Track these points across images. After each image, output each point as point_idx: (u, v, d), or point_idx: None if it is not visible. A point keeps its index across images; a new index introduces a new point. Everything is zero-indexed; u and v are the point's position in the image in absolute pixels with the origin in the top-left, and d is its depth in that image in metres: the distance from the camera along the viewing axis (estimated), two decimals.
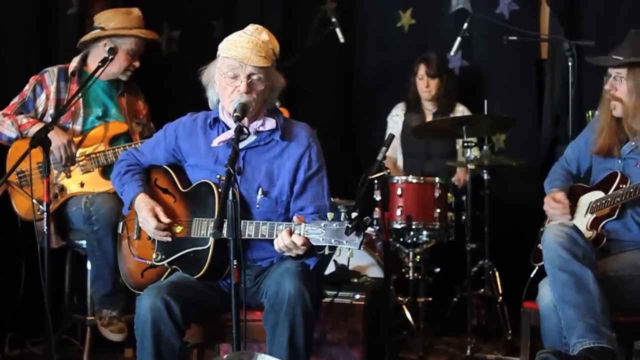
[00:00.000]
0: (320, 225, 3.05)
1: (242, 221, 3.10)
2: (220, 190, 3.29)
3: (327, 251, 3.05)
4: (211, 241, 3.32)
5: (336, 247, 3.03)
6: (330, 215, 3.07)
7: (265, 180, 3.42)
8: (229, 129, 3.45)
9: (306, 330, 3.18)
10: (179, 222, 3.47)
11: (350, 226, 2.96)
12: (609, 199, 3.62)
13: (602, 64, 3.74)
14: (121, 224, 3.72)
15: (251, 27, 3.40)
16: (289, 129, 3.50)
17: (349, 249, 3.02)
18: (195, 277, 3.36)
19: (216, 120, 3.50)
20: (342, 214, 3.04)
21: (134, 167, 3.67)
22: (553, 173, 4.02)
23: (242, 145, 3.39)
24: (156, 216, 3.43)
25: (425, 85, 5.86)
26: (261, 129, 3.44)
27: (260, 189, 3.40)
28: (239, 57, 3.29)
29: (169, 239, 3.44)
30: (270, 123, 3.45)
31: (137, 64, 4.65)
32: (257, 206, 3.39)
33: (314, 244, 3.06)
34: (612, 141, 3.72)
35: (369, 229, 5.34)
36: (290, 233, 3.10)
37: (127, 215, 3.66)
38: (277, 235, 3.15)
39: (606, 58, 3.72)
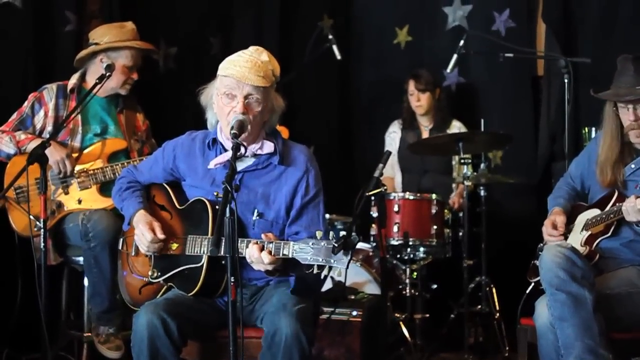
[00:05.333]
0: (308, 244, 3.05)
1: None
2: (217, 207, 3.28)
3: (315, 270, 3.04)
4: (205, 259, 3.32)
5: (324, 267, 3.03)
6: (319, 234, 3.06)
7: (262, 202, 3.41)
8: (226, 150, 3.43)
9: None
10: (174, 240, 3.47)
11: (336, 245, 2.96)
12: (604, 216, 3.62)
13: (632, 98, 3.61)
14: (121, 240, 3.73)
15: (252, 48, 3.39)
16: (287, 152, 3.48)
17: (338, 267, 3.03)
18: (189, 294, 3.36)
19: (215, 141, 3.49)
20: (331, 233, 3.04)
21: (135, 184, 3.69)
22: (558, 189, 4.01)
23: (239, 168, 3.39)
24: (153, 230, 3.44)
25: (416, 99, 5.90)
26: (259, 152, 3.43)
27: (256, 211, 3.40)
28: (237, 76, 3.28)
29: (156, 245, 3.44)
30: (269, 147, 3.43)
31: (135, 76, 4.64)
32: (253, 228, 3.39)
33: (302, 262, 3.05)
34: (617, 172, 3.70)
35: (366, 246, 5.36)
36: (261, 249, 3.12)
37: (127, 232, 3.67)
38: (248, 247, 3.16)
39: (628, 91, 3.62)
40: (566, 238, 3.74)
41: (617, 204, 3.59)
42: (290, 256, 3.09)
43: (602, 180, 3.72)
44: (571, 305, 3.30)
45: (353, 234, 2.99)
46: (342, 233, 3.01)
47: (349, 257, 2.99)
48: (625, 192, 3.64)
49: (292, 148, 3.52)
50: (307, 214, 3.43)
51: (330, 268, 3.06)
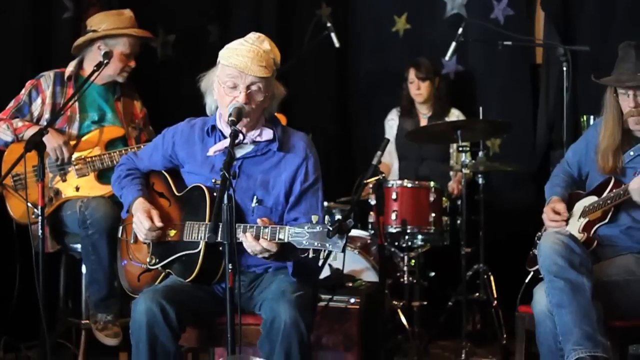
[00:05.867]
0: (304, 228, 3.06)
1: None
2: (215, 194, 3.27)
3: (310, 254, 3.05)
4: (202, 245, 3.32)
5: (320, 251, 3.04)
6: (314, 218, 3.06)
7: (261, 189, 3.41)
8: (225, 137, 3.42)
9: (302, 359, 3.18)
10: (172, 226, 3.47)
11: (331, 229, 2.97)
12: (601, 202, 3.63)
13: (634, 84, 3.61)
14: (121, 227, 3.73)
15: (253, 36, 3.38)
16: (286, 139, 3.48)
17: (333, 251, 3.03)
18: (187, 280, 3.36)
19: (214, 128, 3.49)
20: (327, 217, 3.05)
21: (134, 172, 3.68)
22: (555, 177, 4.00)
23: (239, 155, 3.39)
24: (151, 218, 3.44)
25: (417, 88, 5.90)
26: (258, 139, 3.43)
27: (255, 197, 3.40)
28: (239, 66, 3.27)
29: (154, 233, 3.44)
30: (268, 133, 3.43)
31: (132, 63, 4.64)
32: (252, 214, 3.38)
33: (298, 246, 3.06)
34: (617, 158, 3.71)
35: (364, 233, 5.36)
36: (257, 237, 3.13)
37: (126, 219, 3.66)
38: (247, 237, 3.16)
39: (630, 77, 3.63)
40: (566, 224, 3.74)
41: (613, 190, 3.60)
42: (286, 240, 3.09)
43: (603, 166, 3.72)
44: (569, 292, 3.30)
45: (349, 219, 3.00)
46: (338, 217, 3.02)
47: (344, 241, 2.99)
48: (622, 179, 3.64)
49: (291, 135, 3.52)
50: (306, 201, 3.43)
51: (328, 254, 3.07)
